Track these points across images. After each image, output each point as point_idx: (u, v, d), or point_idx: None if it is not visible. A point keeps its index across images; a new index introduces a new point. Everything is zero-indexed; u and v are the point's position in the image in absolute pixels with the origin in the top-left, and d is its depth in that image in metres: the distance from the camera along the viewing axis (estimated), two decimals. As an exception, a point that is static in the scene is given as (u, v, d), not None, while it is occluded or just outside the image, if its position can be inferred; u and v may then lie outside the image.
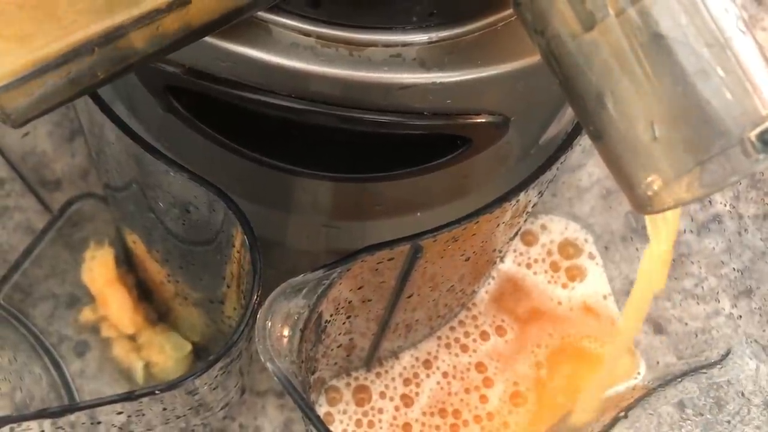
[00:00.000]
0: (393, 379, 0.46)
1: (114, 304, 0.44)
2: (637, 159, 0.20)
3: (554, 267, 0.49)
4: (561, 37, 0.20)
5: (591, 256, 0.49)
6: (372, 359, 0.44)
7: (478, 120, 0.27)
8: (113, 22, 0.20)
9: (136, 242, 0.41)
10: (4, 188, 0.47)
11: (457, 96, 0.26)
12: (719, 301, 0.45)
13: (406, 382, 0.46)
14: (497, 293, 0.48)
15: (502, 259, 0.48)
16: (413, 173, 0.29)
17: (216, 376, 0.30)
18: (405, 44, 0.25)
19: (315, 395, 0.44)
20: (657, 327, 0.47)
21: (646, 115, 0.20)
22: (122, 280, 0.44)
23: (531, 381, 0.46)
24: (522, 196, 0.30)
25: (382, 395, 0.45)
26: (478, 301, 0.48)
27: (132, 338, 0.45)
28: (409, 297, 0.35)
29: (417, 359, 0.46)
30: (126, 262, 0.45)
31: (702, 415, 0.42)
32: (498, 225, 0.32)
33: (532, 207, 0.35)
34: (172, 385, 0.28)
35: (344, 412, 0.44)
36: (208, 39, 0.23)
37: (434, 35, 0.25)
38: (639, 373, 0.47)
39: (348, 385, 0.45)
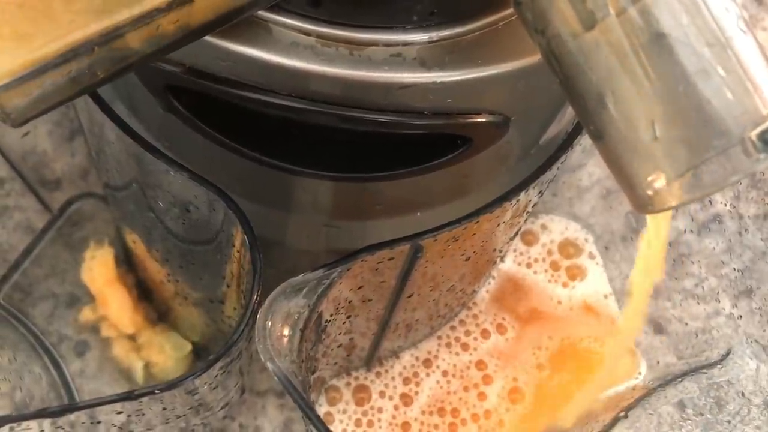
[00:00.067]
0: (393, 378, 0.46)
1: (114, 304, 0.44)
2: (637, 159, 0.20)
3: (554, 267, 0.49)
4: (561, 37, 0.20)
5: (591, 256, 0.49)
6: (372, 359, 0.44)
7: (479, 119, 0.27)
8: (113, 21, 0.20)
9: (136, 242, 0.40)
10: (4, 188, 0.47)
11: (457, 95, 0.26)
12: (719, 301, 0.45)
13: (406, 381, 0.46)
14: (498, 292, 0.48)
15: (502, 259, 0.48)
16: (413, 173, 0.29)
17: (216, 376, 0.30)
18: (405, 43, 0.24)
19: (315, 395, 0.44)
20: (657, 327, 0.47)
21: (647, 115, 0.20)
22: (122, 279, 0.44)
23: (530, 378, 0.46)
24: (522, 195, 0.30)
25: (382, 394, 0.45)
26: (479, 300, 0.48)
27: (132, 338, 0.45)
28: (409, 297, 0.35)
29: (417, 358, 0.46)
30: (126, 261, 0.45)
31: (702, 415, 0.42)
32: (498, 225, 0.32)
33: (533, 207, 0.35)
34: (172, 385, 0.28)
35: (344, 412, 0.44)
36: (208, 38, 0.23)
37: (435, 34, 0.25)
38: (639, 373, 0.47)
39: (348, 384, 0.45)
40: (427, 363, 0.46)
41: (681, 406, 0.43)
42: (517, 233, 0.42)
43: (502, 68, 0.25)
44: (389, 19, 0.24)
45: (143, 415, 0.30)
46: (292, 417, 0.44)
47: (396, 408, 0.45)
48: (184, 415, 0.33)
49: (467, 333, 0.47)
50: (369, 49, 0.24)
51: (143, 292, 0.45)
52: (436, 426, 0.45)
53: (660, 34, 0.19)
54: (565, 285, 0.49)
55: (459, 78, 0.25)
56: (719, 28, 0.19)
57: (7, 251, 0.46)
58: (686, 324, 0.46)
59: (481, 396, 0.46)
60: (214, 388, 0.31)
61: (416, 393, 0.45)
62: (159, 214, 0.33)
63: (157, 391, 0.28)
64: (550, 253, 0.49)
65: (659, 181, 0.20)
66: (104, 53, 0.20)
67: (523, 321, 0.48)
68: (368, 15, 0.24)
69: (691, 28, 0.19)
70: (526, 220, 0.45)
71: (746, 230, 0.45)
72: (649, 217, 0.25)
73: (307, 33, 0.24)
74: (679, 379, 0.43)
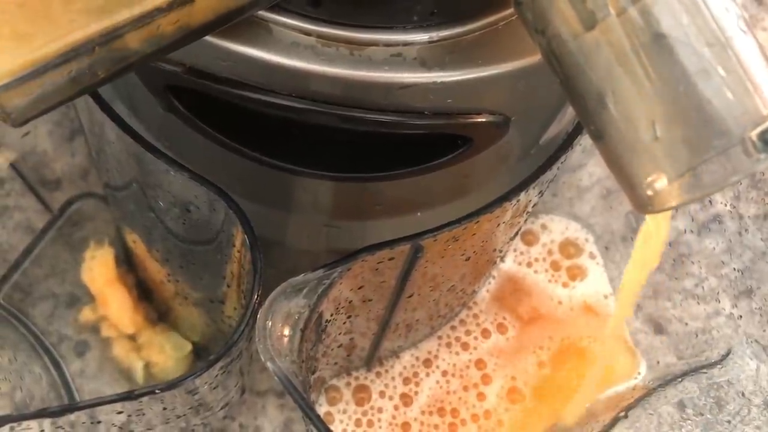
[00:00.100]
0: (393, 378, 0.46)
1: (114, 304, 0.44)
2: (638, 159, 0.20)
3: (555, 266, 0.49)
4: (562, 37, 0.20)
5: (591, 256, 0.49)
6: (372, 359, 0.44)
7: (479, 119, 0.27)
8: (113, 21, 0.20)
9: (136, 242, 0.40)
10: (4, 188, 0.47)
11: (457, 95, 0.26)
12: (719, 301, 0.45)
13: (406, 381, 0.46)
14: (498, 292, 0.48)
15: (502, 259, 0.48)
16: (414, 173, 0.29)
17: (216, 376, 0.30)
18: (406, 43, 0.24)
19: (315, 395, 0.44)
20: (657, 327, 0.47)
21: (647, 115, 0.20)
22: (122, 279, 0.44)
23: (529, 378, 0.46)
24: (522, 195, 0.30)
25: (382, 394, 0.45)
26: (479, 299, 0.48)
27: (132, 338, 0.45)
28: (409, 297, 0.35)
29: (417, 358, 0.46)
30: (126, 261, 0.45)
31: (702, 415, 0.42)
32: (498, 225, 0.32)
33: (533, 207, 0.35)
34: (172, 385, 0.28)
35: (344, 412, 0.44)
36: (208, 38, 0.23)
37: (435, 34, 0.25)
38: (639, 373, 0.47)
39: (348, 384, 0.45)
40: (427, 363, 0.46)
41: (681, 406, 0.43)
42: (517, 233, 0.42)
43: (502, 68, 0.25)
44: (389, 19, 0.24)
45: (143, 415, 0.30)
46: (292, 417, 0.44)
47: (396, 408, 0.45)
48: (185, 415, 0.33)
49: (467, 333, 0.47)
50: (369, 49, 0.24)
51: (143, 292, 0.45)
52: (435, 426, 0.45)
53: (660, 34, 0.19)
54: (565, 285, 0.49)
55: (459, 78, 0.25)
56: (719, 28, 0.19)
57: (7, 251, 0.46)
58: (686, 324, 0.46)
59: (480, 396, 0.46)
60: (214, 388, 0.31)
61: (416, 393, 0.45)
62: (159, 214, 0.33)
63: (157, 391, 0.28)
64: (550, 253, 0.49)
65: (659, 181, 0.20)
66: (104, 53, 0.20)
67: (523, 321, 0.48)
68: (368, 15, 0.24)
69: (691, 28, 0.19)
70: (526, 220, 0.45)
71: (746, 230, 0.45)
72: (648, 217, 0.26)
73: (307, 33, 0.24)
74: (679, 379, 0.43)
